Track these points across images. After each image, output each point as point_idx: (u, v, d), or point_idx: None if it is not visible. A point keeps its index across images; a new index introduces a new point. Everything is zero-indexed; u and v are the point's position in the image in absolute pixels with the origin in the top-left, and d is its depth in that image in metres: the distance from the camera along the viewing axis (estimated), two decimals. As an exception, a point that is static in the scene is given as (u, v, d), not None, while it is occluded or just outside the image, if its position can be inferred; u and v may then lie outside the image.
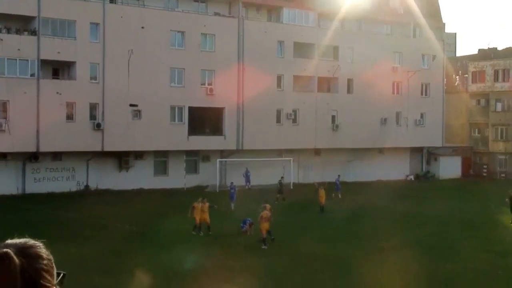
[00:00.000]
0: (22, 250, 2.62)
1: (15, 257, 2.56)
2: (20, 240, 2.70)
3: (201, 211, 38.36)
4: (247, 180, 62.27)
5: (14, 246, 2.63)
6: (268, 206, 36.85)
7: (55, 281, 2.69)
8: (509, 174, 79.85)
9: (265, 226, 35.09)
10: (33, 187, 55.29)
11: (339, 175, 59.27)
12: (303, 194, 53.12)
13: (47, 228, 35.99)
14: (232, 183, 52.66)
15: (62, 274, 2.77)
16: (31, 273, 2.59)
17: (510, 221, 44.74)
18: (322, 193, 48.72)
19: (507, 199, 46.06)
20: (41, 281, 2.61)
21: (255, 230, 37.66)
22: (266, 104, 64.23)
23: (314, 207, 48.33)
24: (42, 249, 2.70)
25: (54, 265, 2.72)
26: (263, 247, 34.71)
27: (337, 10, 68.82)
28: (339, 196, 56.21)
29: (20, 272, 2.56)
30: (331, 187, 55.18)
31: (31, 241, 2.70)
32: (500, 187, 61.46)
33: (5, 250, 2.60)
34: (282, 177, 58.46)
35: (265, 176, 63.60)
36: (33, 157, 55.52)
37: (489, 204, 53.58)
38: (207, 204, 38.98)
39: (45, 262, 2.67)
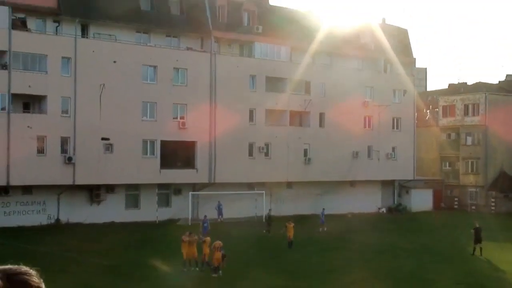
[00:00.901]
0: (10, 276, 2.58)
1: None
2: (12, 266, 2.64)
3: (188, 245, 37.87)
4: (220, 213, 62.20)
5: (2, 271, 2.58)
6: (208, 239, 38.36)
7: None
8: (479, 206, 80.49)
9: (217, 255, 36.31)
10: (3, 221, 54.58)
11: (323, 209, 59.24)
12: (276, 228, 53.02)
13: (18, 263, 35.53)
14: (205, 216, 52.75)
15: None
16: None
17: (472, 253, 45.27)
18: (290, 228, 47.83)
19: (472, 230, 46.61)
20: None
21: (227, 262, 37.95)
22: (238, 138, 64.39)
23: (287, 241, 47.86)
24: (32, 277, 2.63)
25: None
26: (214, 275, 35.96)
27: (308, 45, 69.31)
28: (325, 229, 56.37)
29: None
30: (304, 220, 55.19)
31: (23, 268, 2.65)
32: (471, 219, 61.81)
33: (15, 271, 2.58)
34: (270, 210, 58.88)
35: (237, 209, 63.69)
36: (3, 190, 55.06)
37: (460, 236, 53.95)
38: (195, 238, 38.63)
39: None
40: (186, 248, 37.70)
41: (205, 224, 49.84)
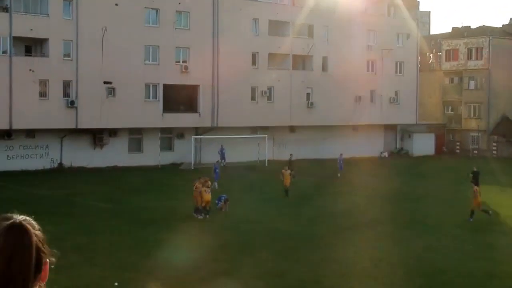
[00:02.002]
0: (26, 221, 2.67)
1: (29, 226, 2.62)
2: (16, 215, 2.73)
3: (202, 192, 36.81)
4: (222, 157, 62.17)
5: (9, 217, 2.67)
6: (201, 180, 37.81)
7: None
8: (481, 151, 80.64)
9: (206, 197, 36.44)
10: (6, 165, 54.69)
11: (341, 154, 58.56)
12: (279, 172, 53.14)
13: (21, 206, 35.16)
14: (217, 161, 53.08)
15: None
16: (38, 242, 2.64)
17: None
18: (286, 175, 45.41)
19: (470, 174, 46.87)
20: (44, 251, 2.68)
21: (230, 206, 38.26)
22: (241, 82, 64.16)
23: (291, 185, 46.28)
24: (34, 221, 2.74)
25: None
26: (206, 216, 36.24)
27: (312, -12, 68.69)
28: (338, 175, 56.19)
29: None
30: (307, 164, 55.10)
31: (25, 216, 2.74)
32: (472, 164, 61.99)
33: (21, 219, 2.67)
34: (291, 155, 58.50)
35: (240, 153, 63.69)
36: (6, 134, 55.08)
37: (461, 180, 54.02)
38: (208, 183, 38.00)
39: (41, 235, 2.71)
40: (199, 195, 36.74)
41: (217, 170, 49.51)
